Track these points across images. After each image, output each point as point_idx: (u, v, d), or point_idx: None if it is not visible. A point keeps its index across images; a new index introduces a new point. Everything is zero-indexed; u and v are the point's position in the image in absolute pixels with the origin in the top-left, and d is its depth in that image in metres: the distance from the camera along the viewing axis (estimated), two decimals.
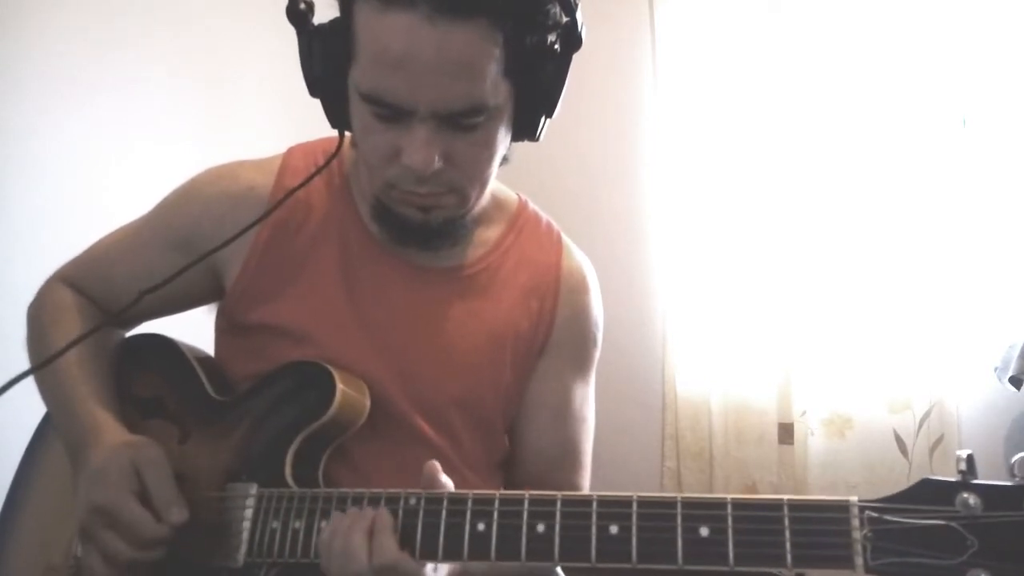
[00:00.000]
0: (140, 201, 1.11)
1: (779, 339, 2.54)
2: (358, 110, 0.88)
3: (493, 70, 0.83)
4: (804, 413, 2.49)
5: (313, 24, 0.88)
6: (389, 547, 0.77)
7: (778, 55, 2.55)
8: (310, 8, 0.88)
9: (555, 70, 0.88)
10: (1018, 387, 2.07)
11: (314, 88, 0.91)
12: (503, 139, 0.92)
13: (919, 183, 2.39)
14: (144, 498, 0.86)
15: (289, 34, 0.90)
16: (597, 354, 1.10)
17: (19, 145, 1.69)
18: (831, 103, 2.49)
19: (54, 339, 1.01)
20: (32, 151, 1.71)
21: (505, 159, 0.97)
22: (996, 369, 2.15)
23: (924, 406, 2.39)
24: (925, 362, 2.39)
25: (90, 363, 1.02)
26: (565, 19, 0.86)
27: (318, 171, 0.96)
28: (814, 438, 2.47)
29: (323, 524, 0.82)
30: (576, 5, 0.86)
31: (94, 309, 1.07)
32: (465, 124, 0.85)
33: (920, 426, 2.39)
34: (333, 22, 0.88)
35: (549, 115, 0.92)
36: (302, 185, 0.96)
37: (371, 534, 0.78)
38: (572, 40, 0.87)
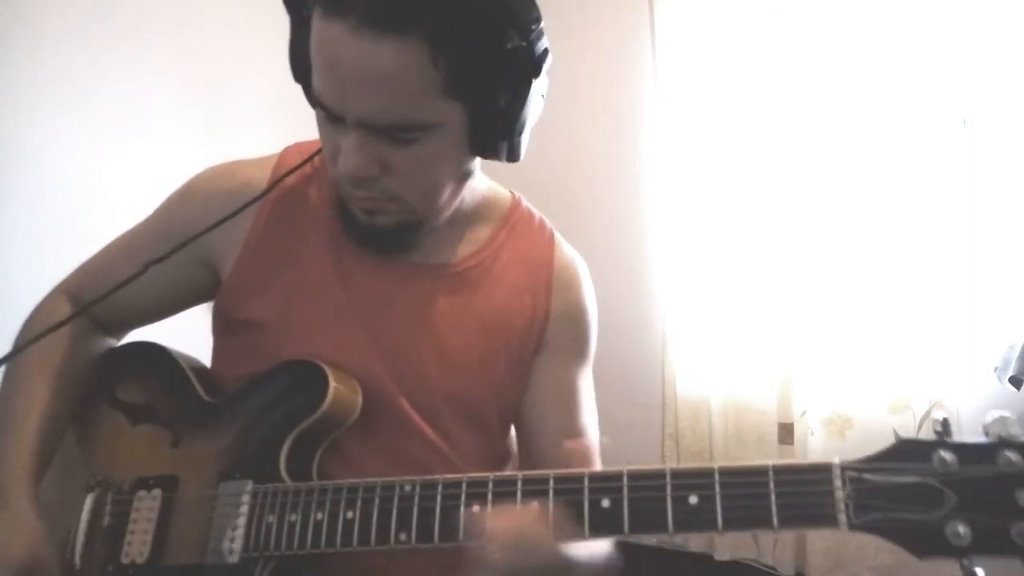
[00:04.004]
0: (140, 200, 1.12)
1: (779, 339, 2.54)
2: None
3: (422, 89, 0.82)
4: (804, 413, 2.49)
5: (302, 13, 0.89)
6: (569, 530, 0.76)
7: (778, 55, 2.56)
8: None
9: (510, 95, 0.86)
10: (1018, 387, 2.06)
11: (296, 74, 0.92)
12: (452, 157, 0.91)
13: (919, 183, 2.39)
14: None
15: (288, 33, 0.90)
16: (594, 344, 1.11)
17: (19, 145, 1.70)
18: (831, 103, 2.49)
19: (32, 358, 1.00)
20: (32, 151, 1.72)
21: (467, 174, 0.97)
22: (996, 369, 2.15)
23: (924, 406, 2.38)
24: (925, 362, 2.38)
25: (50, 402, 1.00)
26: (520, 43, 0.83)
27: (307, 160, 1.00)
28: (814, 438, 2.46)
29: (319, 516, 0.83)
30: (533, 30, 0.83)
31: (87, 326, 1.07)
32: (399, 137, 0.85)
33: (920, 426, 2.39)
34: None
35: (508, 138, 0.90)
36: (292, 171, 0.99)
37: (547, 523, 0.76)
38: (527, 65, 0.84)
